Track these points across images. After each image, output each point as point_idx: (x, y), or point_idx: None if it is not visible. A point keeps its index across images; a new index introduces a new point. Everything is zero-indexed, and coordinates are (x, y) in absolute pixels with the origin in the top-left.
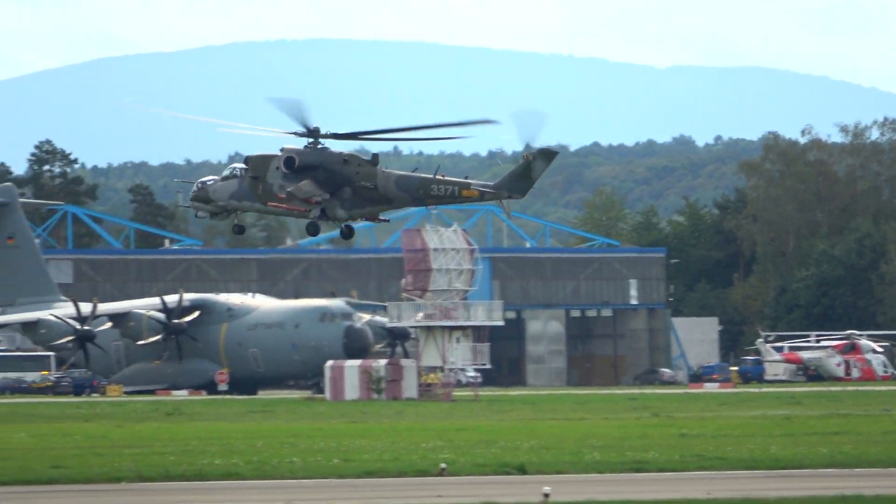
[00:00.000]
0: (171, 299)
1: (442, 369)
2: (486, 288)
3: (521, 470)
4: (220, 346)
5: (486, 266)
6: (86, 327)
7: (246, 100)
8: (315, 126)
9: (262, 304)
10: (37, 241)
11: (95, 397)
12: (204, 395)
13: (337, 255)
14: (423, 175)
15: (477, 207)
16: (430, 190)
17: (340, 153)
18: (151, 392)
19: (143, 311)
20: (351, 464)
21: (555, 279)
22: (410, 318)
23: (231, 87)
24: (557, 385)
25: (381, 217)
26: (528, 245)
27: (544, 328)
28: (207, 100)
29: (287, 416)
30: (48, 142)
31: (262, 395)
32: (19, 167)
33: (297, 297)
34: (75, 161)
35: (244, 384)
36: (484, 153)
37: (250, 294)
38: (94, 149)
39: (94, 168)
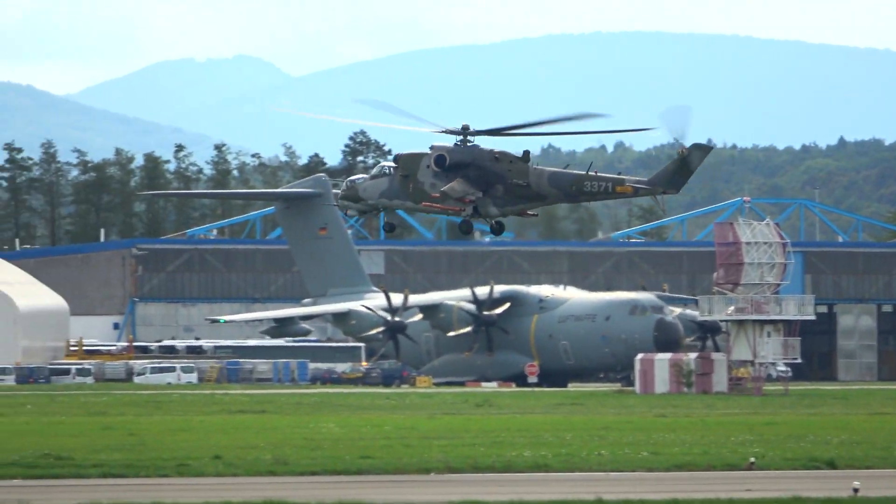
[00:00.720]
0: (482, 291)
1: (752, 363)
2: (797, 282)
3: (831, 465)
4: (530, 338)
5: (798, 260)
6: (397, 318)
7: (555, 91)
8: (465, 124)
9: (572, 296)
10: (349, 231)
11: (405, 388)
12: (513, 387)
13: (648, 248)
14: (576, 171)
15: (790, 201)
16: (583, 186)
17: (491, 151)
18: (461, 383)
19: (453, 303)
20: (659, 457)
21: (867, 273)
22: (721, 311)
23: (535, 78)
24: (868, 380)
25: (530, 212)
26: (840, 239)
27: (856, 323)
28: (521, 90)
29: (596, 409)
30: (362, 132)
31: (572, 387)
32: (333, 158)
33: (608, 289)
34: (389, 152)
35: (554, 376)
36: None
37: (561, 286)
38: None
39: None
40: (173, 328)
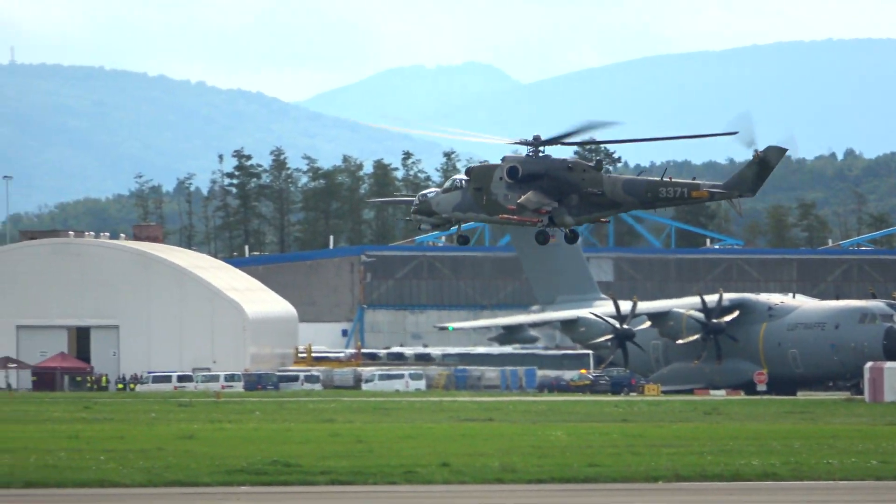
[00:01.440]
0: (711, 299)
1: None
2: None
3: None
4: (759, 346)
5: None
6: (625, 326)
7: (785, 99)
8: (536, 135)
9: (801, 304)
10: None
11: (633, 396)
12: (742, 395)
13: (878, 256)
14: (650, 178)
15: None
16: (658, 192)
17: (564, 160)
18: (689, 391)
19: (682, 311)
20: (889, 466)
21: None
22: None
23: (766, 85)
24: None
25: (603, 220)
26: None
27: None
28: (751, 96)
29: (825, 418)
30: (592, 139)
31: (801, 395)
32: None
33: (837, 298)
34: (619, 159)
35: (783, 384)
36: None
37: (790, 294)
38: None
39: (637, 166)
40: (401, 335)
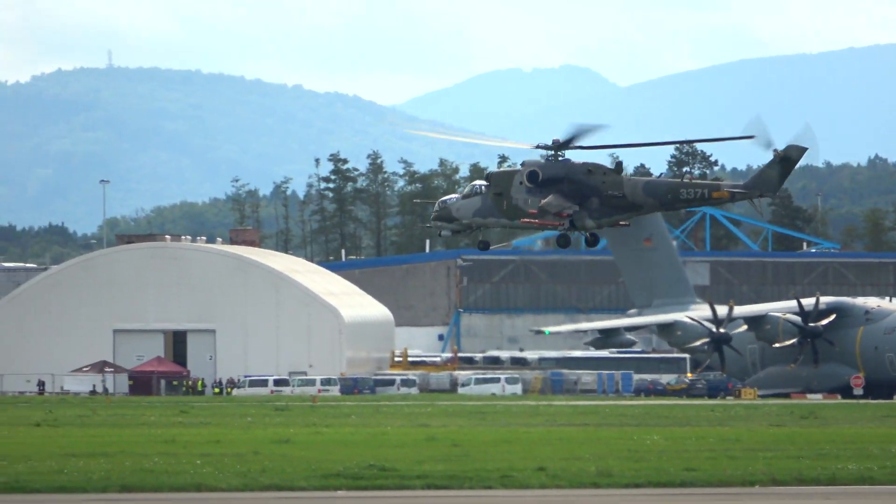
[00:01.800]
0: (808, 302)
1: None
2: None
3: None
4: (855, 350)
5: None
6: (721, 330)
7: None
8: (555, 139)
9: None
10: (674, 242)
11: (729, 400)
12: (838, 399)
13: None
14: (670, 179)
15: None
16: (678, 194)
17: (584, 164)
18: (785, 395)
19: (779, 314)
20: None
21: None
22: None
23: (861, 89)
24: None
25: (622, 222)
26: None
27: None
28: (846, 101)
29: None
30: (686, 142)
31: None
32: (659, 168)
33: None
34: (715, 163)
35: (880, 388)
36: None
37: (887, 298)
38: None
39: (733, 171)
40: (497, 339)
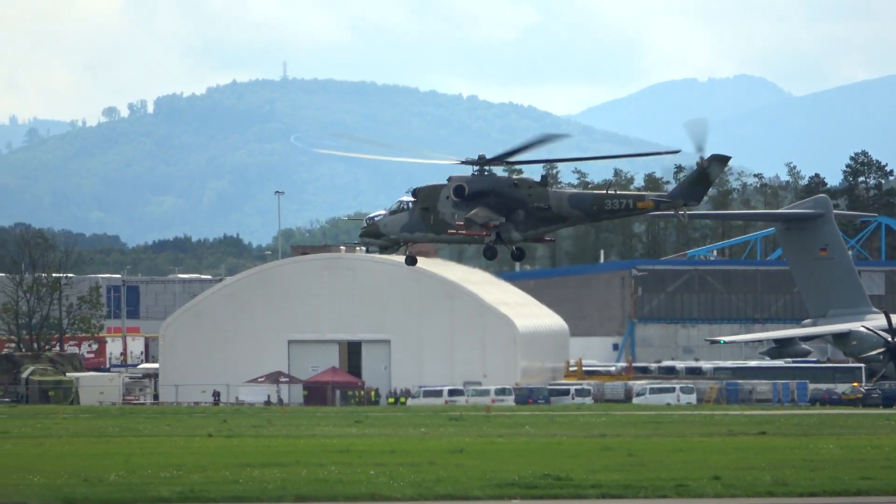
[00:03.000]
0: None
1: None
2: None
3: None
4: None
5: None
6: None
7: None
8: (481, 154)
9: None
10: (849, 252)
11: None
12: None
13: None
14: (595, 191)
15: None
16: (604, 205)
17: (510, 177)
18: None
19: None
20: None
21: None
22: None
23: None
24: None
25: (548, 237)
26: None
27: None
28: None
29: None
30: (864, 153)
31: None
32: (834, 178)
33: None
34: (890, 172)
35: None
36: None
37: None
38: None
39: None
40: (672, 349)
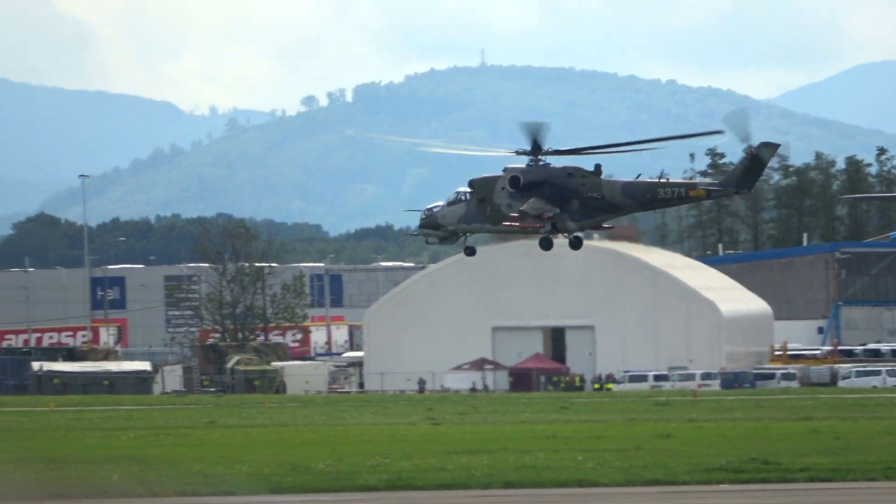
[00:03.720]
0: None
1: None
2: None
3: None
4: None
5: None
6: None
7: None
8: (537, 144)
9: None
10: None
11: None
12: None
13: None
14: (648, 180)
15: None
16: (656, 194)
17: (564, 168)
18: None
19: None
20: None
21: None
22: None
23: None
24: None
25: (606, 224)
26: None
27: None
28: None
29: None
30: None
31: None
32: None
33: None
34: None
35: None
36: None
37: None
38: None
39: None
40: (877, 331)
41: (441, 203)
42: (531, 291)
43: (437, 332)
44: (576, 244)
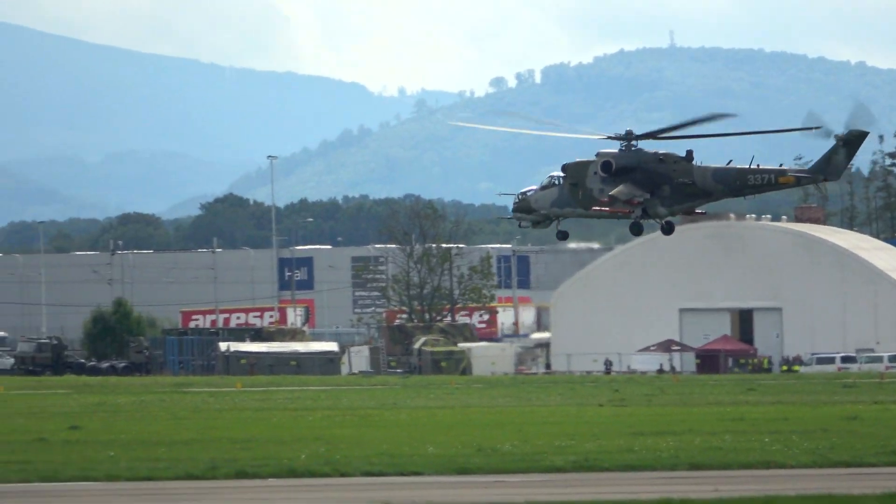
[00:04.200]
0: None
1: None
2: None
3: None
4: None
5: None
6: None
7: None
8: (628, 129)
9: None
10: None
11: None
12: None
13: None
14: (739, 167)
15: None
16: (747, 180)
17: (656, 153)
18: None
19: None
20: None
21: None
22: None
23: None
24: None
25: (698, 210)
26: None
27: None
28: None
29: None
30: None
31: None
32: None
33: None
34: None
35: None
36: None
37: None
38: None
39: None
40: None
41: (535, 187)
42: (719, 273)
43: (624, 314)
44: (668, 229)
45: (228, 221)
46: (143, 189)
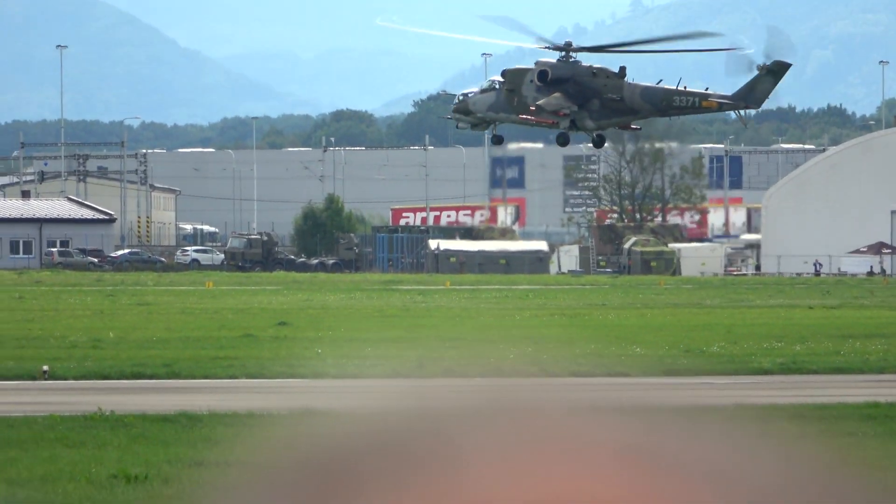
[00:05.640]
0: None
1: None
2: None
3: None
4: None
5: None
6: None
7: None
8: (567, 41)
9: None
10: None
11: None
12: None
13: None
14: (666, 87)
15: None
16: (672, 101)
17: (590, 67)
18: None
19: None
20: None
21: None
22: None
23: None
24: None
25: (633, 125)
26: None
27: None
28: None
29: None
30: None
31: None
32: None
33: None
34: None
35: None
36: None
37: None
38: None
39: None
40: None
41: (475, 90)
42: None
43: (835, 216)
44: (598, 142)
45: (441, 119)
46: (356, 86)
